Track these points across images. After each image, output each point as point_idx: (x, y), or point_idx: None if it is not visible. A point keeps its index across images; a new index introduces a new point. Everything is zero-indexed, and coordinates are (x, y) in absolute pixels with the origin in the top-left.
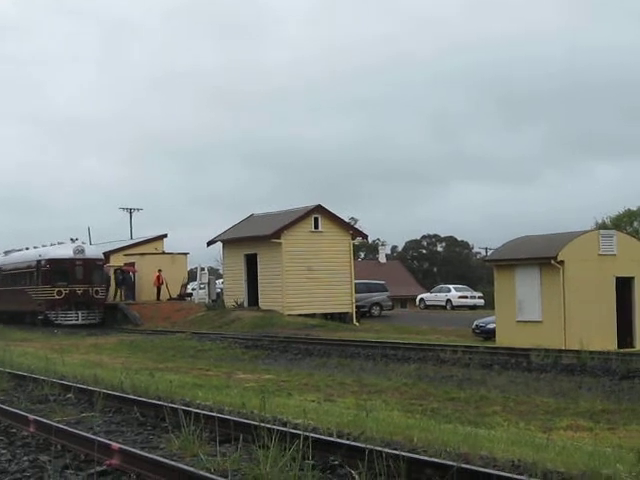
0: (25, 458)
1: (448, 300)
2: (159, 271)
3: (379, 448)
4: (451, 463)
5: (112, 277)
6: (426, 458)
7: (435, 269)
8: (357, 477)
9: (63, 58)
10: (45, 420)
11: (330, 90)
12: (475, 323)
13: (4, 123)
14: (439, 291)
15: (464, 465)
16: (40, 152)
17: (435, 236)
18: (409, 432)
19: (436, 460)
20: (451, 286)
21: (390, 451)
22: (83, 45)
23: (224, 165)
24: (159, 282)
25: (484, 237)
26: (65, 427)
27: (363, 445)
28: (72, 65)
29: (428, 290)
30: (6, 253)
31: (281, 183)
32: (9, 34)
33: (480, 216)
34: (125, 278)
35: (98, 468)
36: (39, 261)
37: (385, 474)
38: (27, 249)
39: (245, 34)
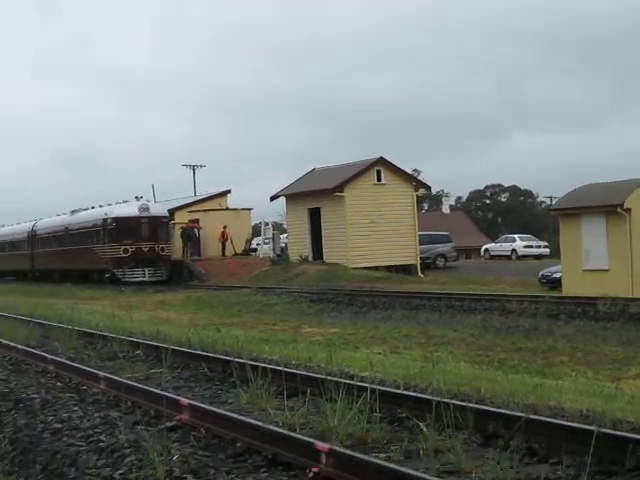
0: (96, 415)
1: (513, 250)
2: (224, 227)
3: (446, 400)
4: (519, 414)
5: (178, 234)
6: (494, 409)
7: (499, 219)
8: (425, 429)
9: (122, 17)
10: (115, 377)
11: (384, 40)
12: (541, 273)
13: (66, 84)
14: (504, 241)
15: (532, 416)
16: (103, 112)
17: (499, 186)
18: (476, 383)
19: (504, 411)
20: (516, 236)
21: (457, 402)
22: (141, 3)
23: (285, 120)
24: (224, 238)
25: (548, 186)
26: (134, 384)
27: (430, 397)
28: (131, 23)
29: (493, 240)
30: (72, 212)
31: (341, 136)
32: None
33: (544, 165)
34: (190, 234)
35: (168, 424)
36: (105, 220)
37: (453, 426)
38: (93, 208)
39: None
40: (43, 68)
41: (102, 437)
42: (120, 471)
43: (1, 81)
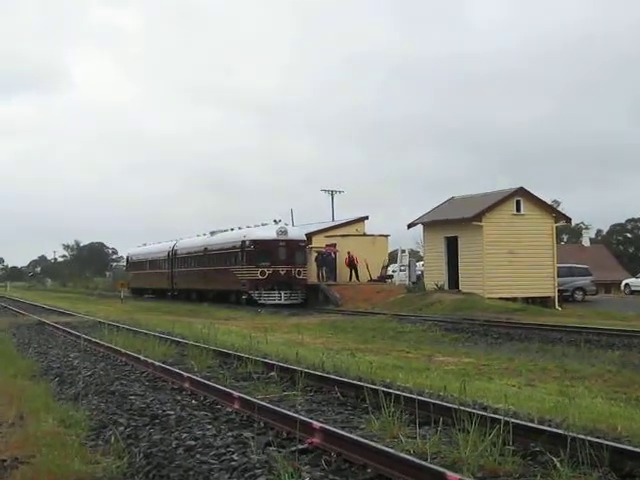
0: (229, 434)
1: None
2: (348, 252)
3: (582, 436)
4: None
5: (313, 258)
6: (631, 448)
7: None
8: (559, 465)
9: (258, 42)
10: (249, 397)
11: (522, 73)
12: None
13: (207, 108)
14: None
15: None
16: (245, 136)
17: None
18: (613, 421)
19: None
20: None
21: (593, 439)
22: (277, 28)
23: (423, 151)
24: (350, 263)
25: None
26: (268, 405)
27: (565, 432)
28: (267, 49)
29: (634, 275)
30: (212, 233)
31: (480, 165)
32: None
33: None
34: (326, 259)
35: (300, 446)
36: (243, 241)
37: (588, 463)
38: (232, 230)
39: (440, 23)
40: (186, 92)
41: (234, 456)
42: None
43: (143, 104)
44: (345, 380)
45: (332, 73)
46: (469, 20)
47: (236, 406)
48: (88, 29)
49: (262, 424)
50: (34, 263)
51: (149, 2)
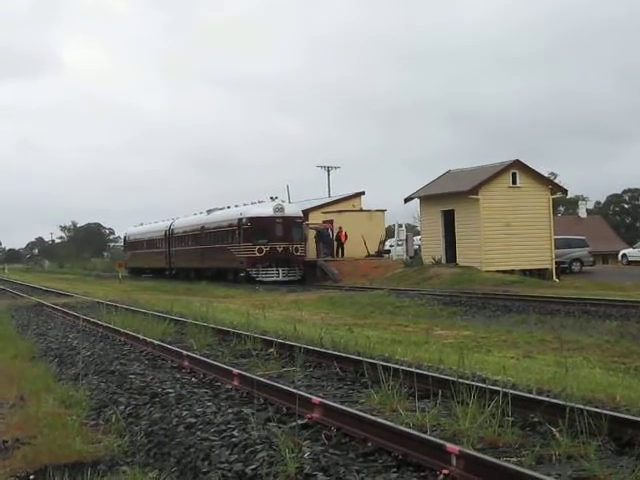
0: (229, 410)
1: None
2: (340, 228)
3: (580, 406)
4: None
5: (312, 234)
6: (630, 417)
7: (638, 224)
8: (558, 435)
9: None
10: (248, 374)
11: (511, 45)
12: None
13: (205, 87)
14: None
15: None
16: (239, 113)
17: (637, 190)
18: (611, 390)
19: None
20: None
21: (591, 409)
22: (277, 10)
23: (416, 124)
24: (337, 238)
25: None
26: (267, 381)
27: (563, 402)
28: (253, 27)
29: (631, 245)
30: (209, 212)
31: (475, 140)
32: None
33: None
34: (323, 235)
35: (299, 421)
36: (240, 219)
37: (586, 432)
38: (229, 208)
39: None
40: (173, 71)
41: (235, 432)
42: (252, 466)
43: (133, 84)
44: (344, 355)
45: (329, 56)
46: (468, 9)
47: (235, 383)
48: (77, 11)
49: (262, 400)
50: (31, 245)
51: None
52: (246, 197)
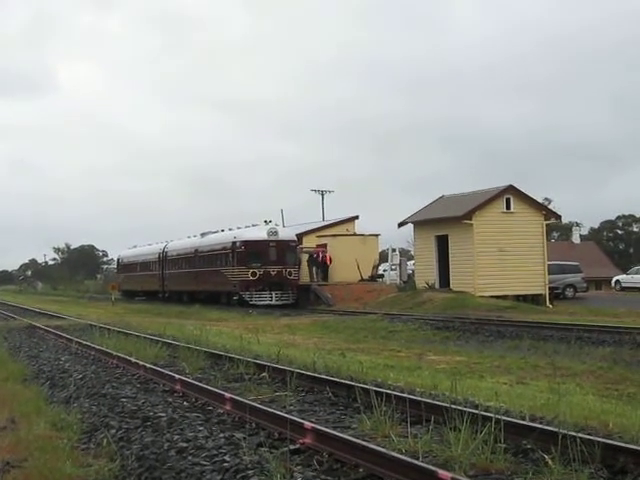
0: (221, 435)
1: None
2: (322, 250)
3: (573, 433)
4: None
5: (305, 259)
6: (622, 444)
7: (631, 250)
8: (550, 462)
9: (242, 44)
10: (240, 398)
11: (507, 72)
12: None
13: (201, 109)
14: (635, 273)
15: None
16: (234, 136)
17: (631, 216)
18: (604, 417)
19: (633, 447)
20: None
21: (584, 436)
22: (264, 32)
23: (412, 148)
24: (327, 262)
25: None
26: (260, 406)
27: (556, 429)
28: (251, 50)
29: (624, 272)
30: (202, 235)
31: (470, 165)
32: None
33: None
34: (316, 260)
35: (291, 446)
36: (234, 242)
37: (579, 460)
38: (222, 231)
39: (423, 22)
40: (171, 94)
41: (226, 457)
42: None
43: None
44: (337, 380)
45: (321, 78)
46: (448, 18)
47: (228, 407)
48: (75, 33)
49: (254, 425)
50: (24, 266)
51: (133, 7)
52: (240, 220)
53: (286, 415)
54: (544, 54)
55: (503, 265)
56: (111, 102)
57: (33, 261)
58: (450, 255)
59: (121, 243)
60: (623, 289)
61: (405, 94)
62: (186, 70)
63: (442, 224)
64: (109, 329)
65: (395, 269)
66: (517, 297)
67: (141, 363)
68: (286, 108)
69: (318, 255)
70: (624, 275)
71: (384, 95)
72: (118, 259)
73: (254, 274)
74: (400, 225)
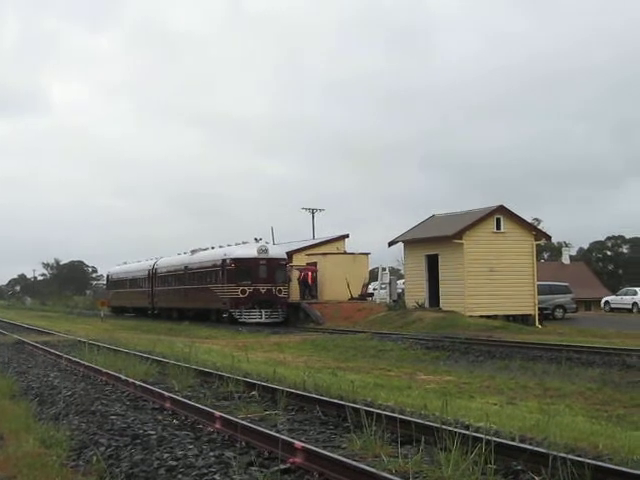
0: (211, 454)
1: (634, 303)
2: (304, 269)
3: (563, 454)
4: (638, 472)
5: (295, 276)
6: (612, 466)
7: (620, 271)
8: None
9: (239, 65)
10: (230, 417)
11: (497, 89)
12: None
13: (186, 128)
14: (625, 294)
15: None
16: (223, 155)
17: (620, 237)
18: (594, 439)
19: (623, 469)
20: (637, 289)
21: (574, 458)
22: (259, 51)
23: (401, 166)
24: (310, 281)
25: None
26: (250, 424)
27: (546, 451)
28: (248, 73)
29: (613, 293)
30: (193, 252)
31: (459, 184)
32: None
33: None
34: (305, 278)
35: (282, 466)
36: (224, 260)
37: None
38: (212, 248)
39: (411, 38)
40: (165, 115)
41: (216, 476)
42: None
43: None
44: (326, 399)
45: (315, 96)
46: (442, 53)
47: (218, 426)
48: (68, 53)
49: (244, 444)
50: (13, 282)
51: (127, 27)
52: (230, 238)
53: (276, 434)
54: (530, 71)
55: (493, 285)
56: (98, 120)
57: (22, 276)
58: (440, 274)
59: (110, 260)
60: (612, 310)
61: (390, 110)
62: (175, 88)
63: (432, 243)
64: (98, 345)
65: (385, 288)
66: (507, 317)
67: (130, 380)
68: (273, 126)
69: (301, 274)
70: (613, 296)
71: (370, 111)
72: (108, 275)
73: (244, 292)
74: (390, 244)
